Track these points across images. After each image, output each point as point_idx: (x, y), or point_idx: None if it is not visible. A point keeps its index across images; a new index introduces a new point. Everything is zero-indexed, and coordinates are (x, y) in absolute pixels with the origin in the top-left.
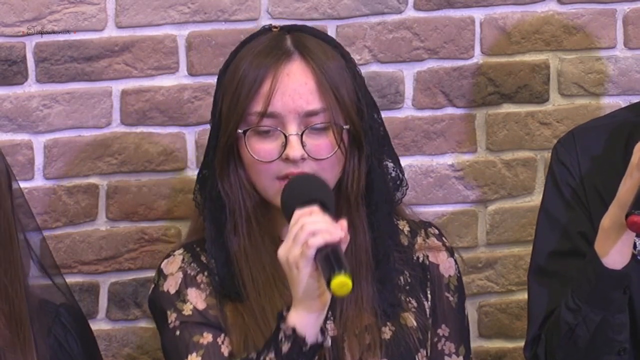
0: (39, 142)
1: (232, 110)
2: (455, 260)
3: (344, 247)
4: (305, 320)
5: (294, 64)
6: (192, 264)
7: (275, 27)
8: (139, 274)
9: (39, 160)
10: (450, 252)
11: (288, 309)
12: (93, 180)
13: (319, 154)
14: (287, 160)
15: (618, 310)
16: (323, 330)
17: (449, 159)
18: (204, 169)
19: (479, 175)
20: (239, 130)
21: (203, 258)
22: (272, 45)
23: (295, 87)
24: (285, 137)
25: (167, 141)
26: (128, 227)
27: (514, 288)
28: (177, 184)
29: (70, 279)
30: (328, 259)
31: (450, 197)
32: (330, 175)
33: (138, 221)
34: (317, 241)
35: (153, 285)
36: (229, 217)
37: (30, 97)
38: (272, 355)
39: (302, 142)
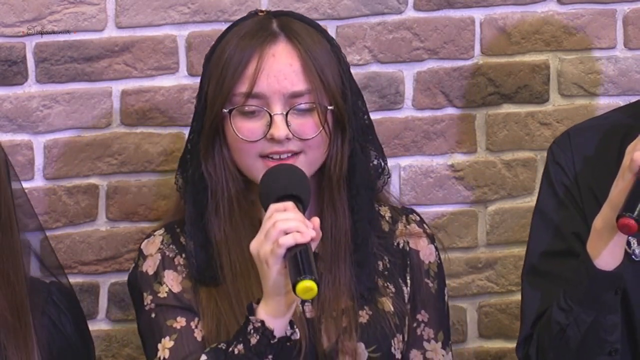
0: (39, 142)
1: (218, 91)
2: (436, 247)
3: (314, 245)
4: (274, 314)
5: (279, 45)
6: (171, 246)
7: (261, 11)
8: None
9: (39, 161)
10: (431, 238)
11: (259, 301)
12: (93, 180)
13: (304, 133)
14: (272, 140)
15: (610, 311)
16: (292, 324)
17: (449, 159)
18: (187, 154)
19: (478, 176)
20: (224, 110)
21: (182, 239)
22: (257, 28)
23: (280, 68)
24: (270, 116)
25: (167, 141)
26: (128, 227)
27: (513, 288)
28: None
29: (70, 280)
30: (296, 261)
31: (450, 198)
32: (315, 155)
33: (138, 221)
34: (288, 241)
35: (133, 265)
36: (210, 198)
37: (30, 97)
38: (240, 346)
39: (287, 122)
